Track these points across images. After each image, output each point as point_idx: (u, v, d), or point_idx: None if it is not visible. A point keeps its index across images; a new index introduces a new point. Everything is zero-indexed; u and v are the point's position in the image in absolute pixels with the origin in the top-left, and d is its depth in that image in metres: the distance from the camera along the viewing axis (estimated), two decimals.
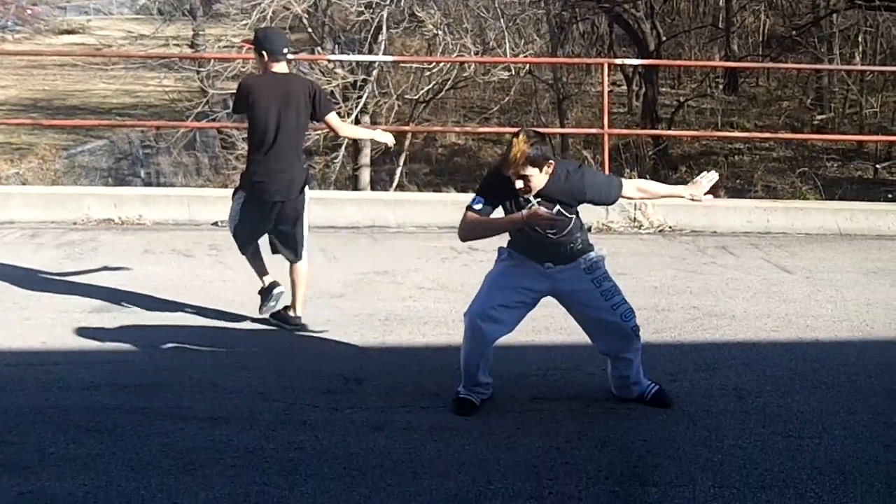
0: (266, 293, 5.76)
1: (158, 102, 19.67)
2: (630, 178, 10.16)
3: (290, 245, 5.68)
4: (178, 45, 17.72)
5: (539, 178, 4.22)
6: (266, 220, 5.61)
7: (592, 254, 4.51)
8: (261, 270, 5.83)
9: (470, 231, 4.40)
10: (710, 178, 4.68)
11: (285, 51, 5.53)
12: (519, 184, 4.22)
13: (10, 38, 28.71)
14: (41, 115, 19.54)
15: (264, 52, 5.51)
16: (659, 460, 4.09)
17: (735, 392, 4.77)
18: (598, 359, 4.83)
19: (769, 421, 4.44)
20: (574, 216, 4.38)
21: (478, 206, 4.33)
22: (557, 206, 4.29)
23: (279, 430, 4.36)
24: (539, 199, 4.28)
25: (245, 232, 5.71)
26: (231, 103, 5.56)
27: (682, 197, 4.78)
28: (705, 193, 4.70)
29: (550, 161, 4.22)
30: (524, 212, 4.25)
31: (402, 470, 4.00)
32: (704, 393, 4.77)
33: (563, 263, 4.43)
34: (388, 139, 6.15)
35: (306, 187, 5.67)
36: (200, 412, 4.55)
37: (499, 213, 4.45)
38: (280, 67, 5.54)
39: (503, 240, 4.58)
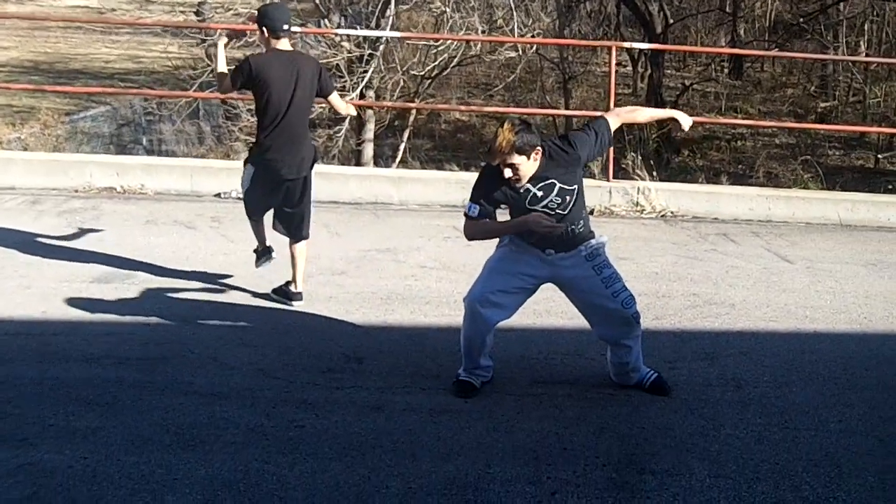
0: (261, 254, 5.91)
1: (161, 69, 19.57)
2: (633, 160, 10.21)
3: (293, 223, 5.71)
4: (183, 11, 17.57)
5: (527, 165, 4.22)
6: (274, 195, 5.66)
7: (593, 241, 4.51)
8: (260, 236, 5.92)
9: (473, 235, 4.46)
10: (689, 120, 4.81)
11: (286, 27, 5.50)
12: (507, 172, 4.23)
13: (12, 0, 28.54)
14: (43, 77, 19.47)
15: (265, 29, 5.50)
16: (656, 448, 4.11)
17: (733, 382, 4.80)
18: (599, 344, 4.85)
19: (766, 411, 4.47)
20: (576, 188, 4.34)
21: (474, 214, 4.37)
22: (558, 185, 4.29)
23: (280, 407, 4.38)
24: (537, 185, 4.28)
25: (254, 201, 5.76)
26: (230, 75, 5.50)
27: (670, 118, 4.90)
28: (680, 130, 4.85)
29: (537, 147, 4.21)
30: (528, 218, 4.26)
31: (402, 451, 4.02)
32: (703, 382, 4.79)
33: (564, 250, 4.43)
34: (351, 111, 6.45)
35: (315, 165, 5.68)
36: (201, 387, 4.57)
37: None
38: (283, 44, 5.53)
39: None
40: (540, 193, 4.30)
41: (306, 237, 5.75)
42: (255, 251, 5.99)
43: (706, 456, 4.05)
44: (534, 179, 4.27)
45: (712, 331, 5.51)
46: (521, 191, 4.30)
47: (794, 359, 5.11)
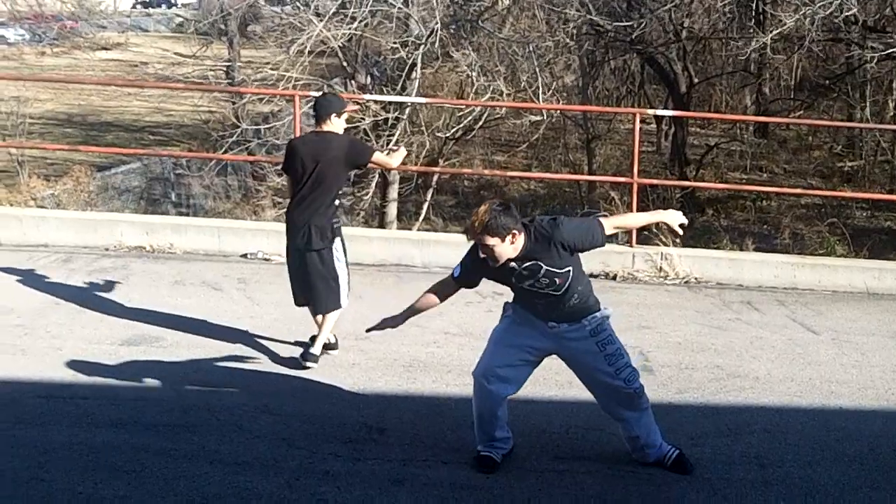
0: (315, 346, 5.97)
1: (191, 122, 19.93)
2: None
3: (310, 295, 5.90)
4: (213, 66, 17.93)
5: (502, 247, 4.25)
6: (296, 268, 5.89)
7: (598, 314, 4.51)
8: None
9: (440, 293, 4.58)
10: (682, 218, 4.67)
11: (330, 117, 5.84)
12: (482, 252, 4.29)
13: (49, 52, 29.23)
14: (76, 129, 19.89)
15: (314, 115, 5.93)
16: None
17: (756, 460, 4.78)
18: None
19: (790, 493, 4.45)
20: (568, 270, 4.34)
21: (455, 275, 4.51)
22: (544, 268, 4.31)
23: (302, 479, 4.42)
24: (522, 265, 4.32)
25: (289, 273, 6.00)
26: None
27: (660, 222, 4.82)
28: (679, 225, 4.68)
29: (514, 232, 4.23)
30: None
31: None
32: (726, 460, 4.77)
33: (566, 322, 4.45)
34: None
35: (336, 241, 5.86)
36: (225, 456, 4.62)
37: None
38: (326, 126, 5.84)
39: (509, 294, 4.63)
40: (525, 273, 4.34)
41: (320, 311, 5.90)
42: (312, 339, 6.01)
43: None
44: (519, 259, 4.31)
45: (736, 405, 5.49)
46: (507, 268, 4.34)
47: (818, 437, 5.08)
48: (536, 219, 4.42)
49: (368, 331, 4.85)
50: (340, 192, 5.95)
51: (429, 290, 4.63)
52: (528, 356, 4.53)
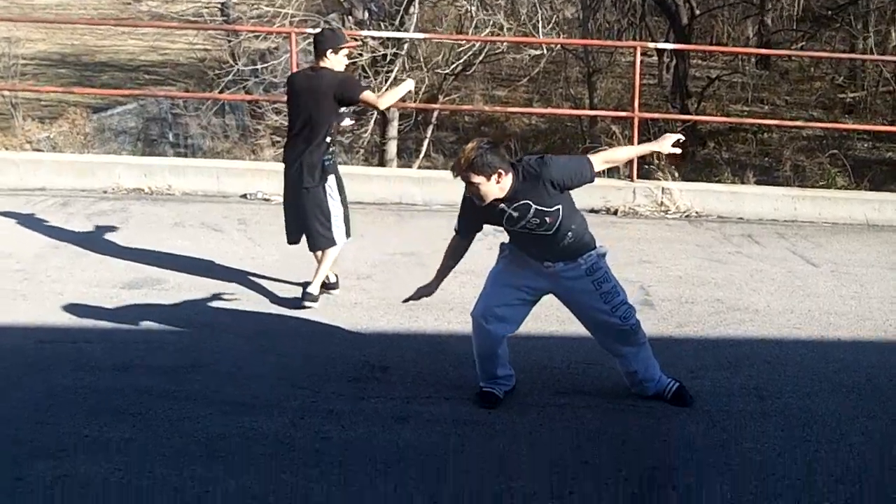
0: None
1: (186, 61, 19.69)
2: (657, 154, 10.13)
3: (306, 233, 5.93)
4: (208, 2, 17.64)
5: (487, 186, 4.22)
6: (289, 204, 5.94)
7: (594, 252, 4.50)
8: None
9: (457, 251, 4.70)
10: (674, 138, 4.60)
11: (326, 53, 5.79)
12: (467, 191, 4.30)
13: None
14: (70, 69, 19.68)
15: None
16: (678, 462, 4.15)
17: (755, 392, 4.82)
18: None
19: (788, 424, 4.49)
20: (558, 209, 4.31)
21: (457, 229, 4.60)
22: (534, 207, 4.29)
23: (306, 418, 4.46)
24: (511, 206, 4.30)
25: (284, 215, 6.02)
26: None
27: (651, 152, 4.85)
28: (673, 145, 4.60)
29: (500, 171, 4.20)
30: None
31: (426, 465, 4.09)
32: (725, 392, 4.82)
33: (562, 261, 4.45)
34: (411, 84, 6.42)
35: (328, 178, 5.84)
36: (229, 397, 4.66)
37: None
38: (323, 62, 5.80)
39: (505, 236, 4.63)
40: (515, 214, 4.32)
41: (313, 249, 5.93)
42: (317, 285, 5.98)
43: (727, 471, 4.08)
44: (507, 200, 4.29)
45: (735, 338, 5.53)
46: (497, 210, 4.32)
47: (817, 368, 5.12)
48: (524, 158, 4.40)
49: (405, 301, 4.87)
50: (334, 130, 5.87)
51: (446, 254, 4.69)
52: (525, 296, 4.55)
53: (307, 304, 5.82)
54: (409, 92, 6.66)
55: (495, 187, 4.23)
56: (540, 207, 4.28)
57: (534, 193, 4.28)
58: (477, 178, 4.19)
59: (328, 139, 5.78)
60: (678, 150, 4.65)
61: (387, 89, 6.57)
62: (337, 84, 5.74)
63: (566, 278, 4.47)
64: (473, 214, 4.45)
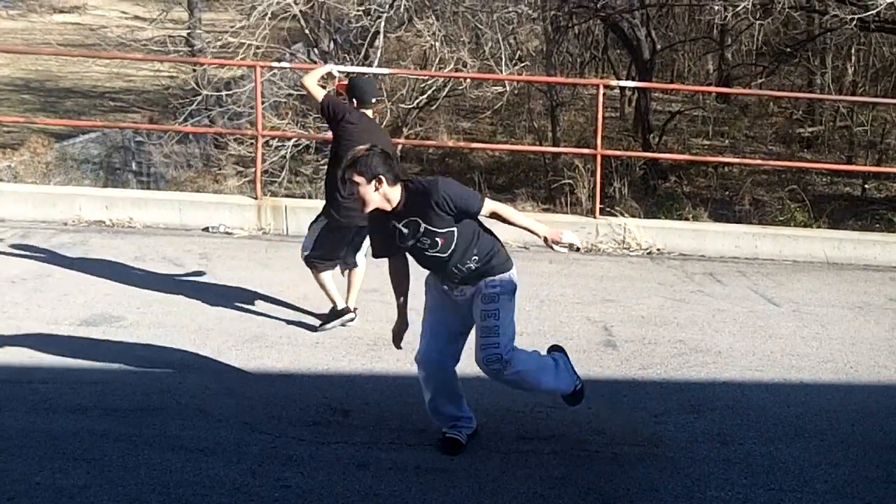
0: (336, 315, 6.17)
1: (151, 88, 19.57)
2: (619, 188, 10.15)
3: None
4: (174, 30, 17.56)
5: (365, 189, 4.21)
6: (348, 241, 6.09)
7: (499, 282, 4.40)
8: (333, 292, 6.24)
9: (396, 272, 4.64)
10: (571, 239, 4.41)
11: (374, 101, 6.14)
12: (347, 190, 4.39)
13: (4, 15, 28.54)
14: (33, 95, 19.49)
15: (354, 100, 5.99)
16: None
17: (719, 437, 4.82)
18: (585, 398, 4.87)
19: (752, 471, 4.49)
20: (452, 231, 4.27)
21: (374, 253, 4.63)
22: (423, 226, 4.27)
23: (266, 464, 4.38)
24: (401, 222, 4.30)
25: (325, 253, 6.08)
26: (326, 98, 6.00)
27: (536, 234, 4.49)
28: (561, 244, 4.41)
29: (380, 177, 4.19)
30: None
31: None
32: (688, 437, 4.81)
33: (470, 285, 4.43)
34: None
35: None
36: (188, 442, 4.57)
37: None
38: (368, 112, 6.06)
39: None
40: (406, 231, 4.31)
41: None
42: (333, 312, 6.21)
43: None
44: (397, 216, 4.30)
45: (698, 381, 5.53)
46: (391, 226, 4.33)
47: (779, 413, 5.14)
48: (416, 178, 4.40)
49: (399, 347, 4.78)
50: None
51: (392, 284, 4.64)
52: (457, 327, 4.54)
53: (348, 319, 6.14)
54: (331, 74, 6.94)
55: (376, 195, 4.23)
56: (430, 227, 4.27)
57: (423, 212, 4.26)
58: (358, 178, 4.21)
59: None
60: (564, 251, 4.52)
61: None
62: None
63: (468, 303, 4.47)
64: (378, 233, 4.45)
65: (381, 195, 4.23)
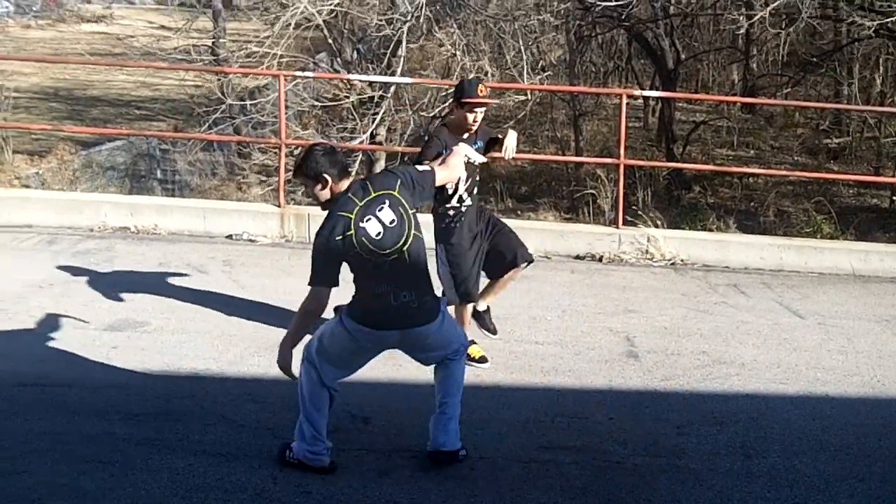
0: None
1: (177, 97, 19.71)
2: (642, 198, 10.04)
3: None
4: (199, 39, 17.70)
5: (311, 186, 4.28)
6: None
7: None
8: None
9: None
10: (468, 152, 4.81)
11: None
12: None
13: (34, 25, 28.88)
14: (62, 104, 19.68)
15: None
16: None
17: (742, 450, 4.78)
18: (606, 406, 4.86)
19: (775, 484, 4.45)
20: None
21: None
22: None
23: (287, 470, 4.39)
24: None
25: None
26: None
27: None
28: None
29: (325, 177, 4.23)
30: None
31: None
32: (711, 450, 4.77)
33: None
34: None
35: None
36: (210, 446, 4.59)
37: None
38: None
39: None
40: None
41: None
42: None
43: None
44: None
45: (722, 393, 5.49)
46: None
47: (804, 426, 5.09)
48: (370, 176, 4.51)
49: None
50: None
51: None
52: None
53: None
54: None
55: (322, 192, 4.31)
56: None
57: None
58: (304, 180, 4.30)
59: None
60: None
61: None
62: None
63: None
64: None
65: (326, 192, 4.31)
